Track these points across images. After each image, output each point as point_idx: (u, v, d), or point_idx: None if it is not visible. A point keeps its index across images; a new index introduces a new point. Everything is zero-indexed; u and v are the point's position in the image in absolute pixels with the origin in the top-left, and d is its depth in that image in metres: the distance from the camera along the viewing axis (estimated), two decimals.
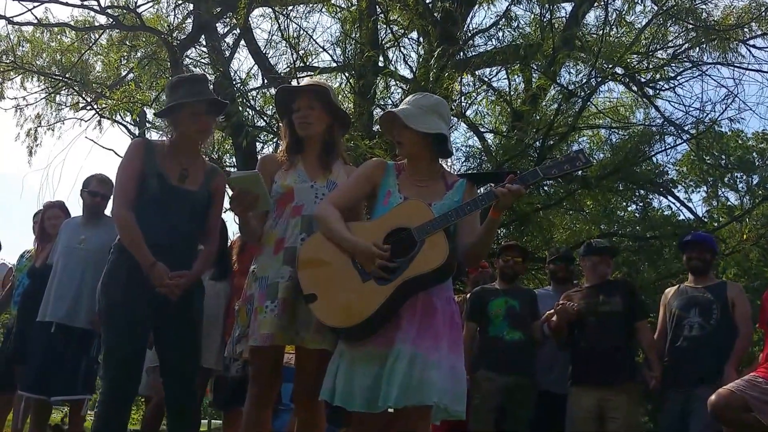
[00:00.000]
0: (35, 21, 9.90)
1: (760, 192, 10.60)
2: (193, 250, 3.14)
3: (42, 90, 11.18)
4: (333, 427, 4.05)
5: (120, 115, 10.22)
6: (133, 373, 2.98)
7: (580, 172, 8.05)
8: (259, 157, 8.64)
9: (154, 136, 10.96)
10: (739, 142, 11.02)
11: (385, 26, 8.87)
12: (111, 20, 9.66)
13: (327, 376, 2.61)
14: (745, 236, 8.31)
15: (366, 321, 2.49)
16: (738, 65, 9.37)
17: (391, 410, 2.48)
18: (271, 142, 9.52)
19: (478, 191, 2.82)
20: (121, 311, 2.94)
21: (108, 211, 4.68)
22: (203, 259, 3.17)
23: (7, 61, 10.20)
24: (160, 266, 2.92)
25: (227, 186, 3.15)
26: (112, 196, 3.06)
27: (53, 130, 11.44)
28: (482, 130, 10.15)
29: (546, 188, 9.20)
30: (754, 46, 9.50)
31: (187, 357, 3.10)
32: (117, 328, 2.94)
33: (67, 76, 10.61)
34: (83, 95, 11.03)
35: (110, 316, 2.98)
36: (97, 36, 10.68)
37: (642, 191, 10.09)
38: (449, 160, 7.76)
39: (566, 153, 2.69)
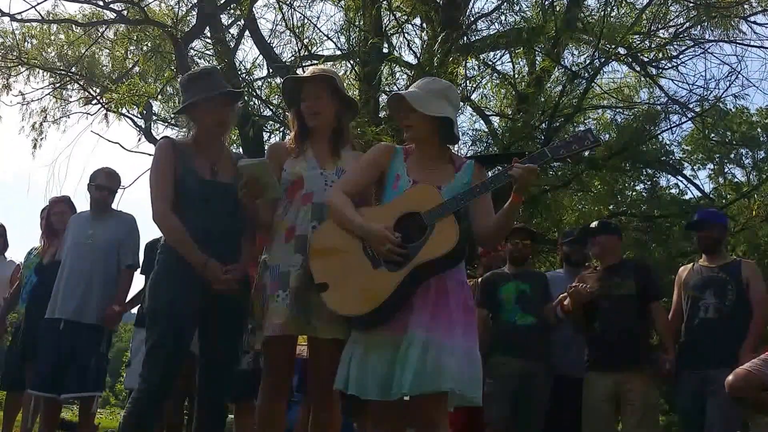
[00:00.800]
0: (39, 18, 9.81)
1: (766, 168, 10.48)
2: (236, 241, 3.03)
3: (48, 86, 11.09)
4: (346, 417, 3.98)
5: (126, 108, 10.16)
6: (174, 375, 2.91)
7: (587, 153, 7.96)
8: (266, 146, 8.60)
9: (160, 128, 10.89)
10: (744, 118, 10.90)
11: (388, 13, 8.79)
12: (115, 15, 9.56)
13: (341, 365, 2.55)
14: (754, 212, 8.19)
15: (378, 308, 2.44)
16: (740, 42, 9.22)
17: (406, 398, 2.40)
18: (277, 132, 9.45)
19: (488, 173, 2.75)
20: (169, 313, 2.85)
21: (116, 205, 4.62)
22: (248, 249, 3.07)
23: (12, 57, 10.10)
24: (213, 263, 2.83)
25: None
26: (150, 198, 2.96)
27: (58, 124, 11.34)
28: (488, 113, 10.07)
29: (554, 170, 9.11)
30: (755, 23, 9.35)
31: (231, 350, 3.02)
32: (162, 328, 2.85)
33: (72, 70, 10.50)
34: (89, 90, 10.93)
35: (158, 316, 2.88)
36: (102, 30, 10.56)
37: (649, 170, 9.98)
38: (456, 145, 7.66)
39: (574, 133, 2.61)
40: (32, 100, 11.00)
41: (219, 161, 3.04)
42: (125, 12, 9.47)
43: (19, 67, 10.24)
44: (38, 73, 10.68)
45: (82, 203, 4.97)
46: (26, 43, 10.34)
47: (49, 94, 11.04)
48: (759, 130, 11.15)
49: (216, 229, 2.91)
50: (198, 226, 2.86)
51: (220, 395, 3.01)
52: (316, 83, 2.88)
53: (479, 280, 4.74)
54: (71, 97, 11.39)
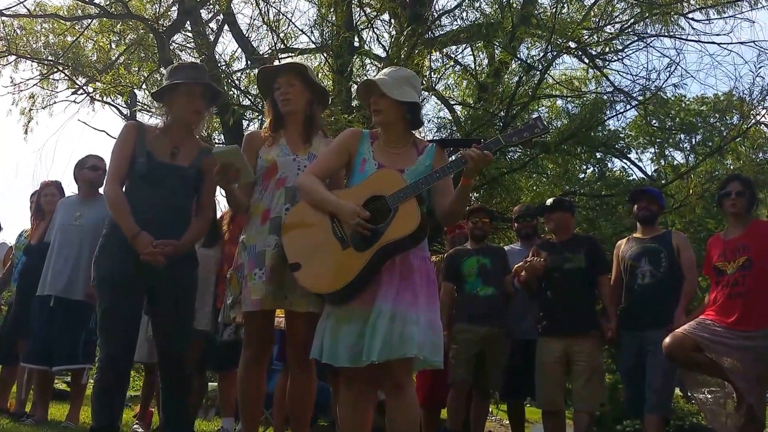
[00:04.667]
0: (26, 12, 9.50)
1: (702, 150, 10.68)
2: (185, 223, 3.01)
3: (36, 76, 10.75)
4: (323, 383, 3.99)
5: (111, 97, 9.93)
6: (128, 339, 2.89)
7: (539, 139, 8.03)
8: (245, 134, 8.51)
9: (145, 116, 10.65)
10: (683, 105, 11.05)
11: (358, 9, 8.71)
12: (99, 10, 9.30)
13: (316, 336, 2.56)
14: (691, 191, 8.34)
15: (347, 286, 2.45)
16: (679, 36, 9.37)
17: (375, 363, 2.42)
18: (256, 120, 9.35)
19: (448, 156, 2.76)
20: (112, 280, 2.85)
21: (102, 189, 4.54)
22: (192, 230, 3.04)
23: (2, 48, 9.78)
24: (144, 235, 2.82)
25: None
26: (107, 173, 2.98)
27: (46, 109, 10.98)
28: (451, 102, 10.09)
29: (511, 153, 9.18)
30: (693, 19, 9.50)
31: (179, 322, 2.98)
32: (109, 296, 2.85)
33: (59, 60, 10.21)
34: (75, 79, 10.62)
35: (103, 285, 2.90)
36: (88, 23, 10.25)
37: (598, 154, 10.11)
38: (422, 130, 7.68)
39: (525, 121, 2.62)
40: (24, 89, 10.68)
41: (182, 146, 3.02)
42: (108, 7, 9.22)
43: (8, 56, 9.94)
44: (26, 61, 10.35)
45: (70, 188, 4.89)
46: (14, 32, 9.99)
47: (36, 84, 10.71)
48: (697, 116, 11.31)
49: (160, 208, 2.90)
50: (146, 202, 2.88)
51: (176, 361, 2.98)
52: (289, 73, 2.89)
53: (444, 255, 4.79)
54: (57, 87, 11.08)
